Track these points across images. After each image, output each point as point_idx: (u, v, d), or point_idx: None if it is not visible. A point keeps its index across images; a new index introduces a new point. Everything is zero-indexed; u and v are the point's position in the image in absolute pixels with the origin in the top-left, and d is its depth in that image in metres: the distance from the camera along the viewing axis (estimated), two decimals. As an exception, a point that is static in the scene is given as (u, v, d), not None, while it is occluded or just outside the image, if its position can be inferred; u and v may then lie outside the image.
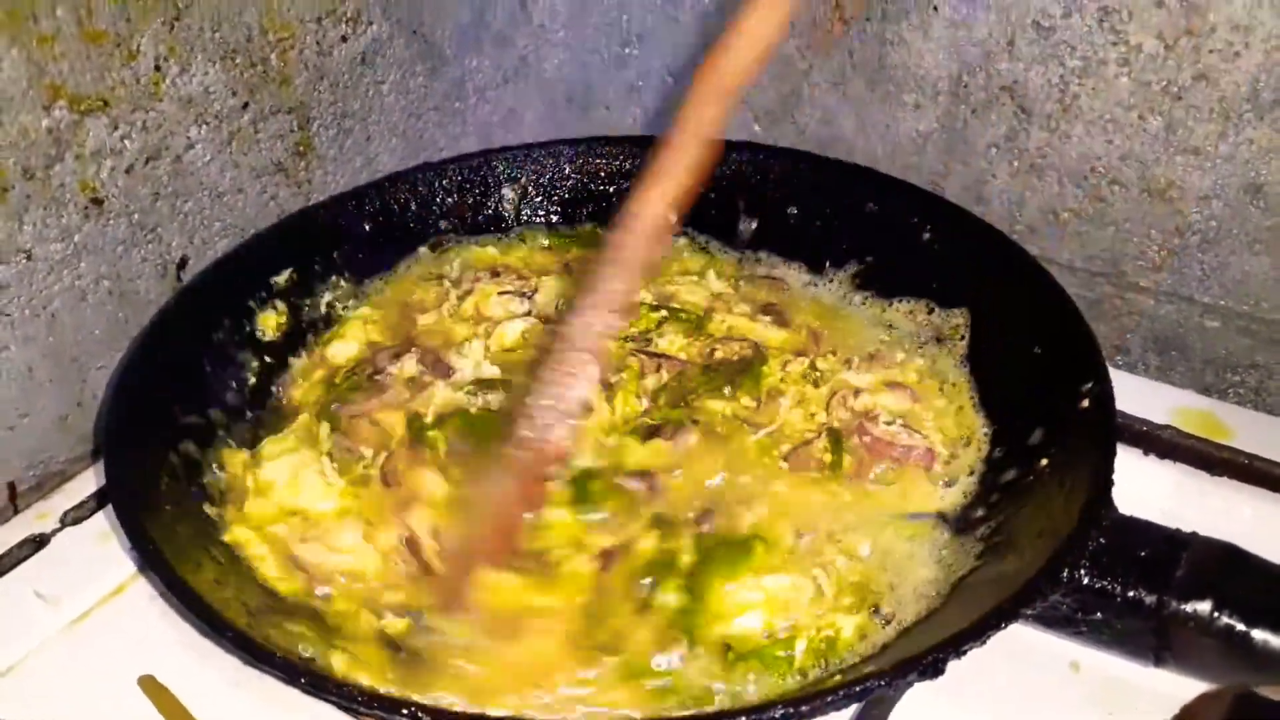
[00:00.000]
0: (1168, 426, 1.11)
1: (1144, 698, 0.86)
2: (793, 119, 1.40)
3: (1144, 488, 1.00)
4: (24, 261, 1.03)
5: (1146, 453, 1.09)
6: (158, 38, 1.08)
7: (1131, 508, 0.88)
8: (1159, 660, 0.82)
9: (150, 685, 0.90)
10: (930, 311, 1.17)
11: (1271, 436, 1.10)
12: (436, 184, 1.29)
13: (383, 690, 0.80)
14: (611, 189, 1.33)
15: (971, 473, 1.02)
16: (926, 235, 1.19)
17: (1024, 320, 1.07)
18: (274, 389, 1.14)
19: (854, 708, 0.85)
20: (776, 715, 0.68)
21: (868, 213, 1.24)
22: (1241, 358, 1.23)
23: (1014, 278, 1.11)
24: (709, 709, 0.79)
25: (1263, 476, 1.05)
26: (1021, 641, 0.88)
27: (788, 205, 1.28)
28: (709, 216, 1.29)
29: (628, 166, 1.32)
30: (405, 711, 0.71)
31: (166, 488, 0.96)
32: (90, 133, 1.05)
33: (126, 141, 1.08)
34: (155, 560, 0.85)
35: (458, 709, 0.80)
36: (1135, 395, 1.11)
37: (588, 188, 1.34)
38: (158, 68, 1.09)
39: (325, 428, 1.05)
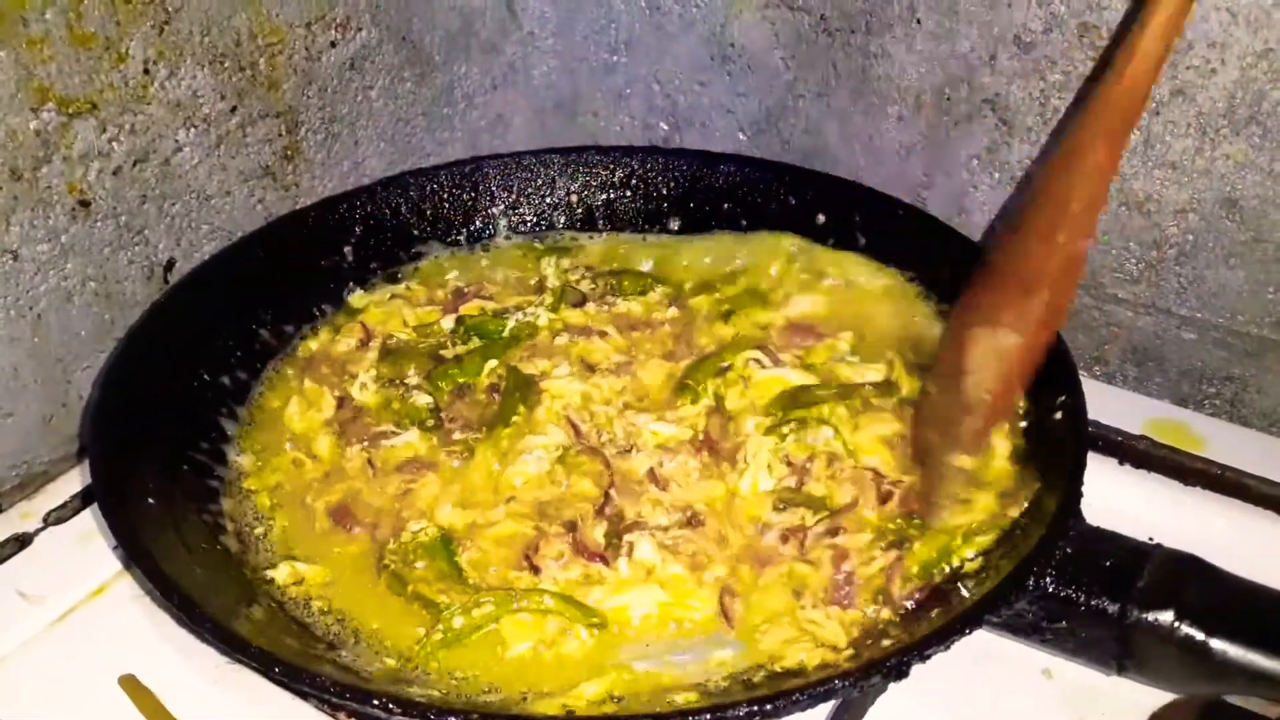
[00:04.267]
0: (1143, 437, 1.12)
1: (1113, 704, 0.87)
2: (777, 130, 1.41)
3: (1118, 497, 1.02)
4: (10, 262, 1.03)
5: (1121, 462, 1.11)
6: (147, 41, 1.09)
7: (1105, 516, 0.89)
8: (1121, 668, 0.83)
9: (131, 685, 0.90)
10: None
11: (1244, 448, 1.11)
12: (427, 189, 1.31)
13: (355, 683, 0.81)
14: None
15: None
16: (906, 247, 1.21)
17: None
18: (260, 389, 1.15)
19: (827, 710, 0.86)
20: (740, 714, 0.69)
21: (853, 222, 1.25)
22: (1217, 370, 1.25)
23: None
24: (669, 709, 0.80)
25: (1234, 487, 1.07)
26: (994, 648, 0.90)
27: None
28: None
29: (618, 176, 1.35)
30: (376, 703, 0.72)
31: (151, 480, 0.97)
32: (78, 135, 1.06)
33: (114, 144, 1.09)
34: (134, 548, 0.86)
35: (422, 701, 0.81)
36: (1112, 405, 1.13)
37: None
38: (146, 71, 1.10)
39: None
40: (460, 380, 1.14)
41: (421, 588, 0.93)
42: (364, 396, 1.13)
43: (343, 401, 1.12)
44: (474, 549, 0.97)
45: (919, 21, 1.25)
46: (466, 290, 1.25)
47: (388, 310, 1.23)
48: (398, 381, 1.14)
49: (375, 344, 1.19)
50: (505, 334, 1.19)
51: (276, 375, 1.17)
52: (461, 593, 0.92)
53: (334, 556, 0.98)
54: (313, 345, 1.20)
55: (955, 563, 0.90)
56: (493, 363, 1.15)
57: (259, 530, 1.01)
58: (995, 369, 0.94)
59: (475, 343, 1.18)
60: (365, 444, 1.07)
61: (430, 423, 1.09)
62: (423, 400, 1.11)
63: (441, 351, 1.17)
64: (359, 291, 1.25)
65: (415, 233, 1.30)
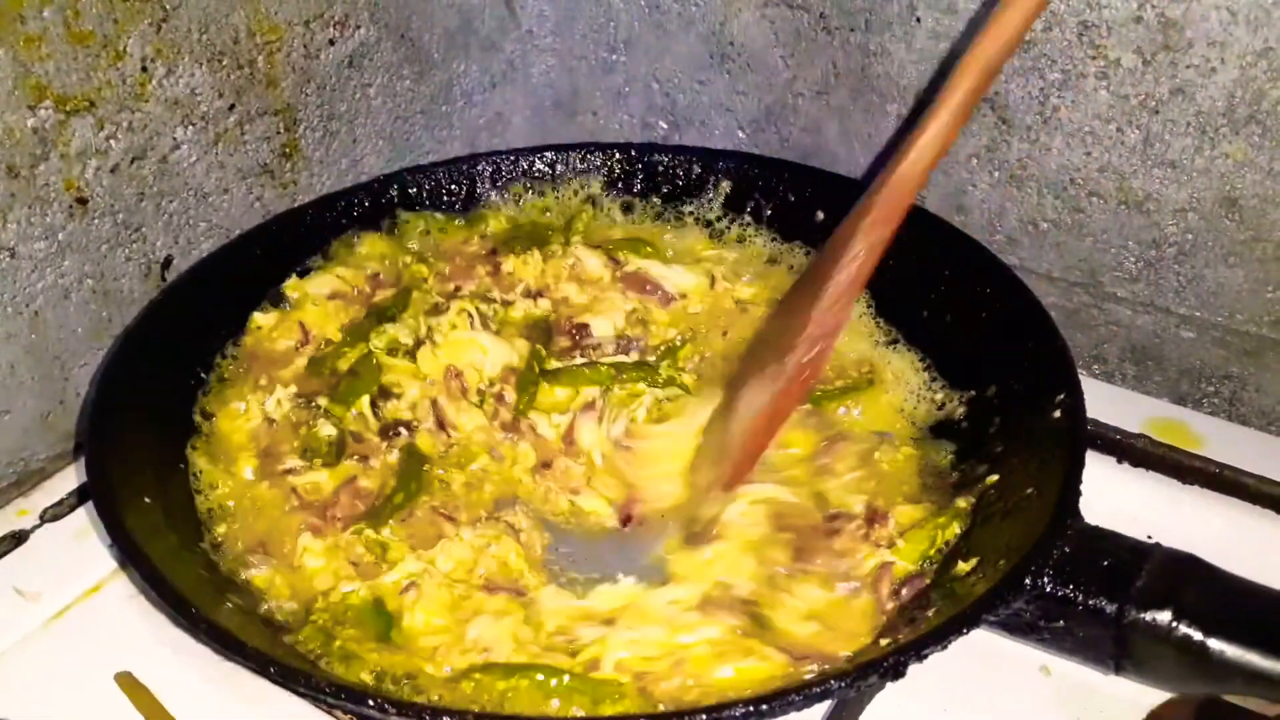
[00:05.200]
0: (1141, 435, 1.12)
1: (1112, 702, 0.87)
2: (776, 128, 1.41)
3: (1116, 495, 1.02)
4: (7, 259, 1.03)
5: (1120, 461, 1.10)
6: (145, 39, 1.09)
7: (1103, 515, 0.89)
8: (1119, 668, 0.83)
9: (127, 682, 0.90)
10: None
11: (1243, 446, 1.11)
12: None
13: (351, 684, 0.80)
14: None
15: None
16: (907, 245, 1.20)
17: (1001, 331, 1.09)
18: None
19: (824, 709, 0.86)
20: (738, 714, 0.69)
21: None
22: (1216, 368, 1.24)
23: (991, 287, 1.12)
24: (665, 709, 0.80)
25: (1233, 486, 1.06)
26: (992, 645, 0.89)
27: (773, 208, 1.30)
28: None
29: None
30: (372, 703, 0.72)
31: (148, 482, 0.97)
32: (76, 132, 1.05)
33: (112, 141, 1.09)
34: (131, 550, 0.85)
35: (418, 701, 0.81)
36: (1110, 404, 1.13)
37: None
38: (144, 69, 1.10)
39: None
40: (352, 406, 1.07)
41: (351, 646, 0.87)
42: (277, 414, 1.07)
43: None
44: (421, 610, 0.91)
45: (918, 19, 1.25)
46: (382, 278, 1.22)
47: (325, 311, 1.18)
48: (310, 401, 1.08)
49: (308, 350, 1.14)
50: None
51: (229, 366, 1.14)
52: (393, 654, 0.87)
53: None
54: (249, 341, 1.15)
55: (941, 546, 0.92)
56: (365, 398, 1.08)
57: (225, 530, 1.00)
58: (747, 423, 0.99)
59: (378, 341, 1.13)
60: (278, 475, 1.02)
61: (327, 461, 1.03)
62: (326, 431, 1.05)
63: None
64: (294, 279, 1.20)
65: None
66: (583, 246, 1.25)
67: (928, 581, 0.90)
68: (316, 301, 1.18)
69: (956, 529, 0.93)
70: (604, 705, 0.81)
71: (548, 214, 1.33)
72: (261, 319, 1.16)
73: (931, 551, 0.92)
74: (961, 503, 0.94)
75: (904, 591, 0.89)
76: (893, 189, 0.95)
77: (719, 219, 1.32)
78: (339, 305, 1.19)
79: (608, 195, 1.34)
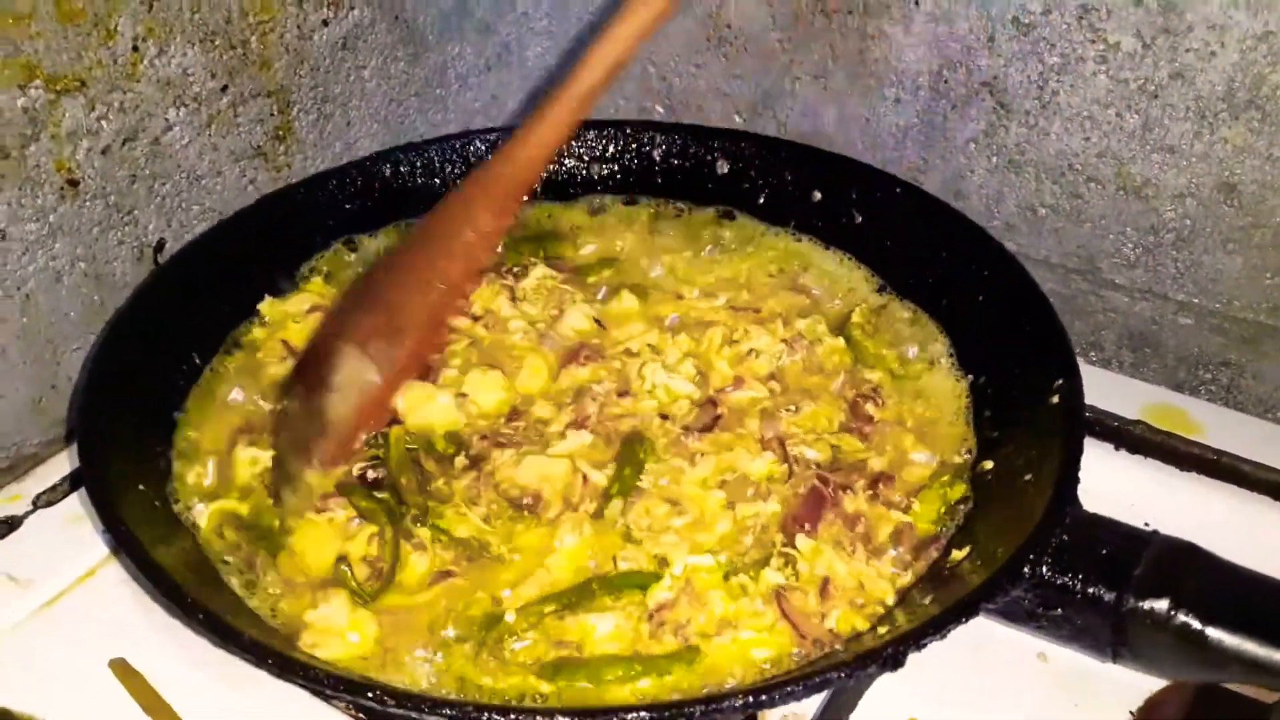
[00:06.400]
0: (1139, 422, 1.11)
1: (1109, 688, 0.87)
2: (773, 112, 1.40)
3: (1114, 482, 1.01)
4: (-2, 242, 1.02)
5: (1118, 448, 1.10)
6: (136, 18, 1.07)
7: (1101, 502, 0.89)
8: (1116, 655, 0.83)
9: (121, 668, 0.90)
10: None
11: (1241, 433, 1.11)
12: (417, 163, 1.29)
13: (348, 673, 0.80)
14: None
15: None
16: (905, 226, 1.20)
17: (998, 315, 1.08)
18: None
19: (820, 697, 0.86)
20: (737, 704, 0.69)
21: (851, 200, 1.24)
22: (1214, 355, 1.24)
23: (990, 272, 1.11)
24: (666, 699, 0.80)
25: (1231, 472, 1.06)
26: (989, 632, 0.89)
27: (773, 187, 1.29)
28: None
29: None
30: (371, 694, 0.72)
31: (141, 468, 0.96)
32: (66, 113, 1.04)
33: (103, 122, 1.08)
34: (126, 540, 0.85)
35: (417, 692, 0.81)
36: (1108, 391, 1.12)
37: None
38: (136, 48, 1.08)
39: None
40: None
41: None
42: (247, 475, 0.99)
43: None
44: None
45: (917, 3, 1.24)
46: None
47: (307, 326, 1.12)
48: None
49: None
50: None
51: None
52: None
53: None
54: (233, 364, 1.11)
55: (952, 501, 0.94)
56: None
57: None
58: (355, 400, 0.94)
59: None
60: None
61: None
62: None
63: None
64: (268, 299, 1.15)
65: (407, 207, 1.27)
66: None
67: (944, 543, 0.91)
68: (297, 319, 1.13)
69: (961, 490, 0.94)
70: None
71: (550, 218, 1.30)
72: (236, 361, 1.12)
73: (943, 509, 0.93)
74: (958, 459, 0.96)
75: (922, 554, 0.90)
76: (507, 176, 0.94)
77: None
78: (320, 318, 1.13)
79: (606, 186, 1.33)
